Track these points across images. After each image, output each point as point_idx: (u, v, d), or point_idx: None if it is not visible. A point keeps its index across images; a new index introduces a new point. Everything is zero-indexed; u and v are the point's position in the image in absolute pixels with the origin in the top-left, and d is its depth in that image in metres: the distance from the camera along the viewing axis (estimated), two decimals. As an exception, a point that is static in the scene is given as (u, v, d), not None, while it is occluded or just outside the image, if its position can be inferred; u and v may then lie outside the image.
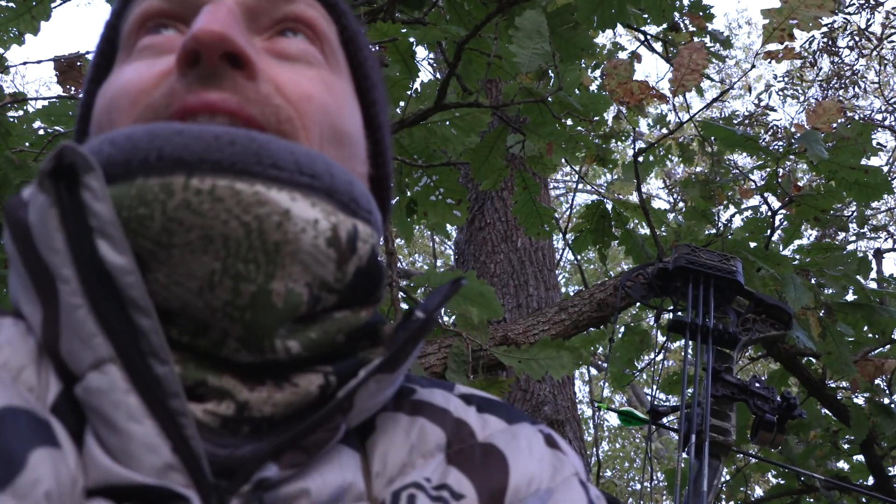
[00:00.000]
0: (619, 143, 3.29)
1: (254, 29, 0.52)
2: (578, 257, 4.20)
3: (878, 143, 7.61)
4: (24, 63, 2.51)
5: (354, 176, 0.50)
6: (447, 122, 1.98)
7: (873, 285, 3.30)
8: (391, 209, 0.62)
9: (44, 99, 1.98)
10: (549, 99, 2.06)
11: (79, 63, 2.08)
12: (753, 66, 2.74)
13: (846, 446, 3.70)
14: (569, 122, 2.40)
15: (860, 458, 3.62)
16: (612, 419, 10.37)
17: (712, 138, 3.03)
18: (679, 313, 1.85)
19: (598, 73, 3.88)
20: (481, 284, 1.92)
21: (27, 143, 1.98)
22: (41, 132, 2.04)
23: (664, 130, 3.87)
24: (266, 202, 0.43)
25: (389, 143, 0.62)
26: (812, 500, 3.95)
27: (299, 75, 0.51)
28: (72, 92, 2.07)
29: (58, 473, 0.37)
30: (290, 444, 0.42)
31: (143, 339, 0.40)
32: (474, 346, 1.82)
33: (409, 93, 2.00)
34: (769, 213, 2.94)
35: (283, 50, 0.52)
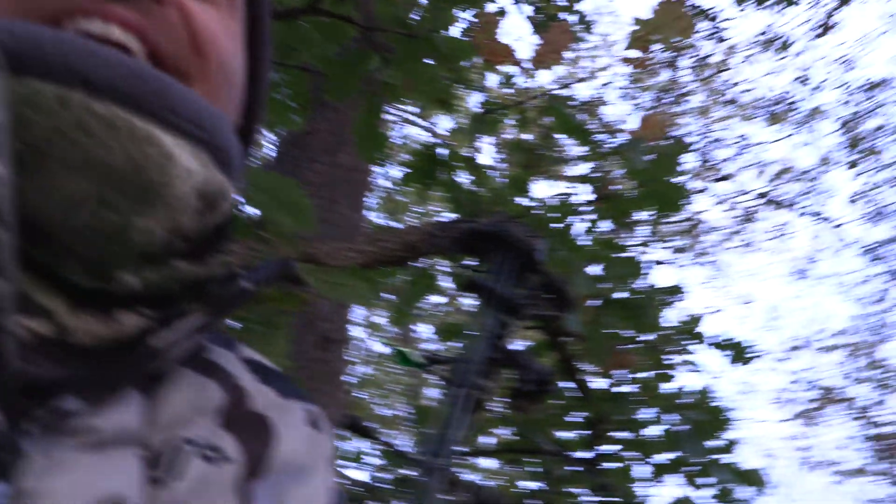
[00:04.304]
0: (465, 87, 3.32)
1: None
2: (396, 188, 4.25)
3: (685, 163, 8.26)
4: None
5: (232, 126, 0.51)
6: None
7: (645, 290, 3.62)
8: (257, 133, 0.63)
9: None
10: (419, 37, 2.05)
11: None
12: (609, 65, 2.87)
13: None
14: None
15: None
16: (376, 346, 10.63)
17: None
18: (478, 274, 1.94)
19: (465, 15, 3.88)
20: (300, 196, 1.89)
21: None
22: None
23: (510, 91, 3.95)
24: (156, 143, 0.43)
25: (268, 76, 0.62)
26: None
27: (206, 12, 0.50)
28: None
29: None
30: (96, 380, 0.43)
31: None
32: (280, 256, 1.81)
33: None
34: (580, 203, 3.12)
35: None
